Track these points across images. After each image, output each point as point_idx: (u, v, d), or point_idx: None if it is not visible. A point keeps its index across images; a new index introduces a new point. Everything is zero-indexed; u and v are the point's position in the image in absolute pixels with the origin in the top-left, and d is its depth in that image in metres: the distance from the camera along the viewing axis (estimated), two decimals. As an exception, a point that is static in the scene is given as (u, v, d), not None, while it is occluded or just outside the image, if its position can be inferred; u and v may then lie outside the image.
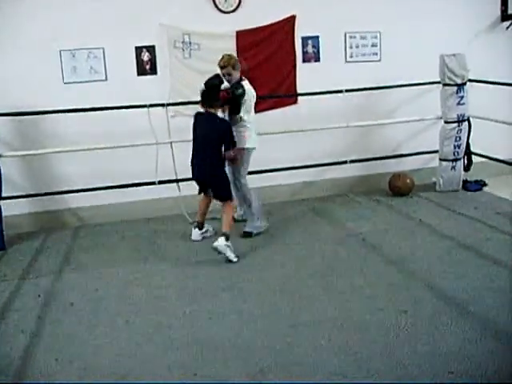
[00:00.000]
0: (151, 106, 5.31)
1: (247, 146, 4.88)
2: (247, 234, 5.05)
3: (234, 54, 5.62)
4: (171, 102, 5.46)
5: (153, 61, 5.57)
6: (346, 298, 3.78)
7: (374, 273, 4.18)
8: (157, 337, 3.42)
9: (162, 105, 5.37)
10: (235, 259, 4.49)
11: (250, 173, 5.30)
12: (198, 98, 5.50)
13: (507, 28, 6.47)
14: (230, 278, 4.24)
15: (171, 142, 5.44)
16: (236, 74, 4.85)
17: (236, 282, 4.16)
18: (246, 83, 4.86)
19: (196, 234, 5.07)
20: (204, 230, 5.11)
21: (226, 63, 4.78)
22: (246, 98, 4.79)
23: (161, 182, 5.51)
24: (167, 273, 4.42)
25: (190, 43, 5.60)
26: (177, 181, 5.50)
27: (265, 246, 4.87)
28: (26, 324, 3.62)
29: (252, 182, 5.68)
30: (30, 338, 3.45)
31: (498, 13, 6.47)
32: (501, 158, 6.12)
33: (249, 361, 3.08)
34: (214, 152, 4.61)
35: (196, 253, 4.80)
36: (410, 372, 2.88)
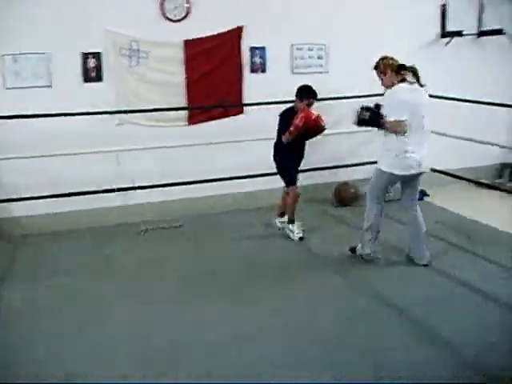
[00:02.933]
0: (97, 113, 5.25)
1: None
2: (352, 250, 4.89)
3: (181, 63, 5.66)
4: (117, 110, 5.41)
5: (99, 68, 5.50)
6: (294, 305, 3.85)
7: (319, 279, 4.31)
8: (96, 352, 3.39)
9: (108, 112, 5.32)
10: (295, 237, 5.21)
11: (199, 182, 5.36)
12: (145, 107, 5.53)
13: (446, 44, 6.73)
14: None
15: (117, 151, 5.39)
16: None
17: (184, 291, 4.17)
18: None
19: (277, 221, 5.54)
20: (282, 220, 5.47)
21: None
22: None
23: (106, 191, 5.44)
24: (112, 283, 4.37)
25: (138, 51, 5.57)
26: (122, 189, 5.45)
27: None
28: None
29: (197, 191, 5.72)
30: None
31: (439, 30, 6.73)
32: (441, 169, 6.33)
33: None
34: (278, 138, 5.22)
35: (144, 264, 4.77)
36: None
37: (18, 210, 5.46)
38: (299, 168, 5.40)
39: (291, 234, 5.27)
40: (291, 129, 4.97)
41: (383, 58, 4.47)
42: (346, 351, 3.31)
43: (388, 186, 4.70)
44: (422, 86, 4.33)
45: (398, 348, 3.34)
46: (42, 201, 5.35)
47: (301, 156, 5.35)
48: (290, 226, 5.30)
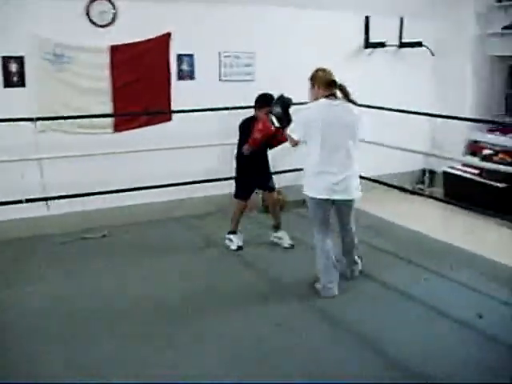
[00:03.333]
0: (18, 120, 5.06)
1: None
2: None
3: (107, 69, 5.57)
4: (41, 116, 5.25)
5: (21, 72, 5.32)
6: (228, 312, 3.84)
7: (248, 286, 4.35)
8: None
9: (31, 119, 5.15)
10: (233, 247, 5.21)
11: (122, 190, 5.29)
12: (69, 113, 5.40)
13: (369, 54, 6.98)
14: (107, 298, 4.17)
15: (40, 159, 5.23)
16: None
17: (111, 302, 4.10)
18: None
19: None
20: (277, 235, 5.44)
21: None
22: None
23: (28, 201, 5.25)
24: (35, 296, 4.23)
25: (62, 56, 5.42)
26: (45, 199, 5.29)
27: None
28: None
29: (124, 199, 5.63)
30: None
31: (362, 41, 6.95)
32: (364, 175, 6.51)
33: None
34: (238, 150, 5.30)
35: (67, 275, 4.64)
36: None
37: None
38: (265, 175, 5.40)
39: (230, 244, 5.28)
40: (250, 142, 4.96)
41: (318, 70, 4.26)
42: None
43: (323, 213, 4.18)
44: (352, 102, 4.12)
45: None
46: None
47: (259, 167, 5.29)
48: (230, 235, 5.31)
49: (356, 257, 4.52)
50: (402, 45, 7.11)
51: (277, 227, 5.41)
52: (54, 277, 4.58)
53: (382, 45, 6.90)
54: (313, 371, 3.23)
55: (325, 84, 4.13)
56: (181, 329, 3.68)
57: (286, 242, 5.30)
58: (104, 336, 3.61)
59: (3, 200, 5.14)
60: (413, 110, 5.82)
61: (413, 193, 6.89)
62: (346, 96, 4.12)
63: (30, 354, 3.40)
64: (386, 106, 5.95)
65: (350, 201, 4.18)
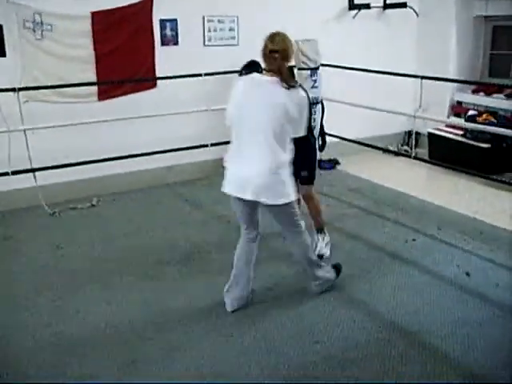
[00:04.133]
0: (0, 90, 4.99)
1: None
2: None
3: (89, 36, 5.48)
4: (23, 86, 5.18)
5: (1, 42, 5.21)
6: (217, 279, 3.90)
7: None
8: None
9: (14, 89, 5.07)
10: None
11: (109, 159, 5.26)
12: (53, 83, 5.32)
13: (353, 17, 6.92)
14: (97, 271, 4.20)
15: (25, 130, 5.17)
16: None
17: (101, 273, 4.14)
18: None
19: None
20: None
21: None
22: None
23: (14, 173, 5.21)
24: (24, 269, 4.25)
25: (42, 23, 5.32)
26: (32, 170, 5.26)
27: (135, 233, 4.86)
28: None
29: (112, 168, 5.61)
30: None
31: (346, 2, 6.89)
32: (351, 138, 6.56)
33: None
34: None
35: (56, 247, 4.65)
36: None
37: None
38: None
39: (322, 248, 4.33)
40: None
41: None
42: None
43: (239, 211, 3.45)
44: (291, 86, 3.16)
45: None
46: None
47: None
48: (320, 236, 4.40)
49: (316, 273, 3.66)
50: (387, 6, 7.06)
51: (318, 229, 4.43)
52: (44, 248, 4.59)
53: (366, 6, 6.85)
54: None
55: (262, 54, 3.31)
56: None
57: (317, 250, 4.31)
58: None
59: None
60: (397, 71, 5.82)
61: (398, 154, 6.95)
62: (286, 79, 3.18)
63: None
64: (370, 69, 5.94)
65: (273, 206, 3.27)
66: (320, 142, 6.60)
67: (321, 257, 4.14)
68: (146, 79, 5.90)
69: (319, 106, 6.39)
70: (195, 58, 5.99)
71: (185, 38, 6.01)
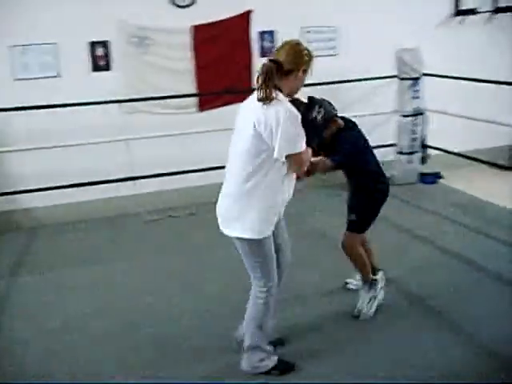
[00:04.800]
0: (106, 102, 5.21)
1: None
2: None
3: (190, 49, 5.59)
4: (126, 98, 5.37)
5: (107, 56, 5.46)
6: (303, 292, 3.80)
7: (331, 268, 4.20)
8: (113, 341, 3.38)
9: (118, 101, 5.28)
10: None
11: (208, 169, 5.31)
12: (154, 94, 5.49)
13: (460, 23, 6.59)
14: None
15: (127, 139, 5.36)
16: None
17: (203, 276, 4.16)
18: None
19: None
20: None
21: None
22: None
23: (118, 180, 5.42)
24: (128, 273, 4.37)
25: (145, 38, 5.51)
26: (133, 178, 5.44)
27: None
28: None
29: (211, 178, 5.63)
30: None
31: (452, 8, 6.58)
32: (456, 150, 6.23)
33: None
34: None
35: (157, 251, 4.75)
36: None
37: (28, 201, 5.46)
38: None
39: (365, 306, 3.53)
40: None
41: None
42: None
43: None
44: (269, 100, 2.59)
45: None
46: (51, 192, 5.35)
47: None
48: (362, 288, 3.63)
49: (248, 349, 2.95)
50: (499, 10, 6.62)
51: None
52: (144, 253, 4.71)
53: (472, 12, 6.47)
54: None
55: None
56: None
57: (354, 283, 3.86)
58: (194, 310, 3.65)
59: (94, 180, 5.35)
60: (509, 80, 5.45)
61: (507, 168, 6.50)
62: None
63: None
64: (478, 78, 5.60)
65: (237, 238, 2.78)
66: (422, 155, 6.36)
67: (357, 316, 3.46)
68: (244, 90, 5.92)
69: (421, 117, 6.16)
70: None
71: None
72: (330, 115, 3.05)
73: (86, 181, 5.36)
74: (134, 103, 5.44)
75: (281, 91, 2.66)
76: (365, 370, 2.94)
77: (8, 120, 5.19)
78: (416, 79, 6.03)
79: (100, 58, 5.44)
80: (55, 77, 5.34)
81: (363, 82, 6.08)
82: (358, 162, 3.43)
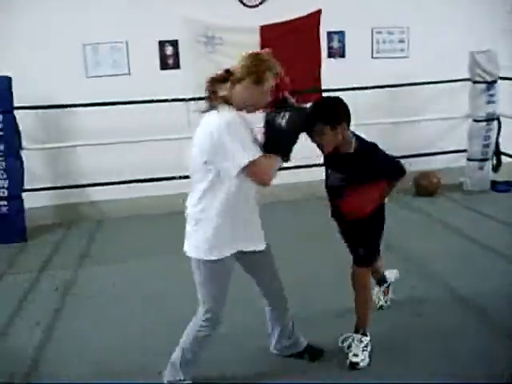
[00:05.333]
0: (173, 100, 5.27)
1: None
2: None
3: (257, 49, 5.57)
4: (194, 96, 5.42)
5: (176, 55, 5.55)
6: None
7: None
8: (174, 333, 3.39)
9: (185, 99, 5.34)
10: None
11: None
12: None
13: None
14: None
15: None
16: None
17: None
18: None
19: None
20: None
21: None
22: None
23: (182, 177, 5.46)
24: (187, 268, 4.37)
25: (214, 37, 5.56)
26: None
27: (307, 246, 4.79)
28: (42, 316, 3.62)
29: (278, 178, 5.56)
30: (45, 330, 3.45)
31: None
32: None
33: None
34: None
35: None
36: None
37: (96, 194, 5.63)
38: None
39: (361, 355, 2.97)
40: None
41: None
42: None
43: None
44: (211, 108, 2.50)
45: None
46: (119, 186, 5.48)
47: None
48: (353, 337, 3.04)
49: (170, 367, 2.78)
50: None
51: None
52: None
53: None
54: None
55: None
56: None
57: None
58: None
59: (162, 176, 5.43)
60: None
61: None
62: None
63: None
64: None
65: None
66: (494, 162, 6.09)
67: (352, 366, 2.93)
68: (312, 91, 5.86)
69: (495, 122, 5.90)
70: (362, 71, 5.82)
71: (352, 50, 5.89)
72: (298, 121, 2.55)
73: (151, 176, 5.46)
74: (201, 102, 5.46)
75: (230, 103, 2.46)
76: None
77: (79, 116, 5.36)
78: (491, 83, 5.78)
79: (169, 57, 5.53)
80: (125, 75, 5.47)
81: (434, 85, 5.88)
82: None
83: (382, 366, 2.93)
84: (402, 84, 5.78)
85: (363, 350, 2.97)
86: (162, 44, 5.49)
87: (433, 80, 5.80)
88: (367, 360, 2.96)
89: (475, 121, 5.92)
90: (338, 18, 5.75)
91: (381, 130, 5.97)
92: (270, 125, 2.51)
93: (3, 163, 5.01)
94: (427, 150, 6.11)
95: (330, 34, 5.83)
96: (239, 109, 2.47)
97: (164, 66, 5.53)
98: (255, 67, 2.44)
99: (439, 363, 2.93)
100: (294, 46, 5.73)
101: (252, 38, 5.59)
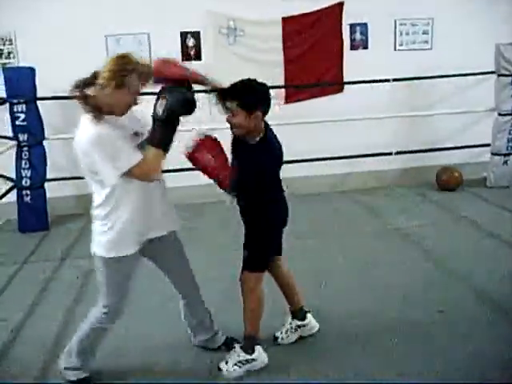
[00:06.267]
0: (204, 91, 5.24)
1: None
2: None
3: (279, 41, 5.56)
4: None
5: (198, 47, 5.55)
6: (381, 293, 3.67)
7: (412, 270, 4.02)
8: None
9: (205, 91, 5.32)
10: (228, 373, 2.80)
11: (292, 161, 5.24)
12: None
13: None
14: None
15: (213, 129, 5.39)
16: None
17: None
18: None
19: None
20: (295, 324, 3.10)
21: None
22: None
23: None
24: (215, 261, 4.30)
25: (235, 29, 5.55)
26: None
27: (311, 237, 4.79)
28: (63, 304, 3.67)
29: (288, 171, 5.52)
30: (66, 318, 3.49)
31: None
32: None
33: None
34: None
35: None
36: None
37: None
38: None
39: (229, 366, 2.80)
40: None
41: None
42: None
43: None
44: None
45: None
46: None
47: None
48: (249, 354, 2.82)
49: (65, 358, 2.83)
50: None
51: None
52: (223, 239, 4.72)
53: None
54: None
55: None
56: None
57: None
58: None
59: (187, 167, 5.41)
60: None
61: None
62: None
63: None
64: None
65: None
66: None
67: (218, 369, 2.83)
68: (333, 83, 5.83)
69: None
70: (385, 63, 5.76)
71: (375, 42, 5.83)
72: (176, 107, 2.39)
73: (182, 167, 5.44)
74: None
75: (99, 107, 2.40)
76: None
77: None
78: (517, 76, 5.68)
79: (190, 48, 5.53)
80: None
81: (458, 78, 5.79)
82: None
83: (404, 362, 2.91)
84: (426, 77, 5.71)
85: (235, 365, 2.79)
86: (183, 35, 5.50)
87: (457, 73, 5.71)
88: (236, 374, 2.78)
89: (500, 114, 5.83)
90: (360, 10, 5.68)
91: (402, 123, 5.94)
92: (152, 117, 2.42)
93: (26, 153, 5.08)
94: (450, 143, 6.03)
95: (352, 25, 5.77)
96: (109, 112, 2.41)
97: (186, 57, 5.53)
98: (116, 72, 2.36)
99: (466, 363, 2.89)
100: (316, 37, 5.71)
101: (274, 30, 5.58)
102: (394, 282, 3.81)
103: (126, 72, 2.36)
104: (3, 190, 5.08)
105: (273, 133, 2.80)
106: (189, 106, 2.45)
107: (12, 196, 5.12)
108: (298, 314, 3.05)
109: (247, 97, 2.57)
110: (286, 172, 5.66)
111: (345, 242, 4.64)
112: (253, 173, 2.58)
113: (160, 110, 2.36)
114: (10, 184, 5.18)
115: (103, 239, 2.54)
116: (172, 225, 2.73)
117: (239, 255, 2.81)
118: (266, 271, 2.86)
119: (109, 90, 2.36)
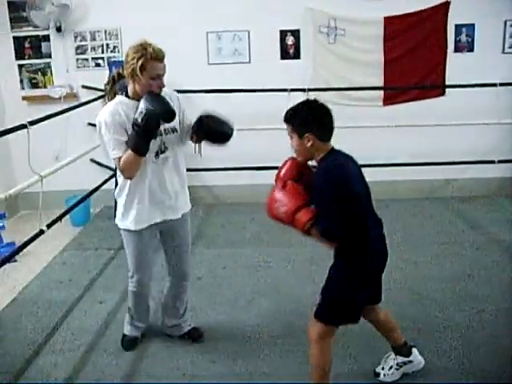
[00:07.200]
0: (292, 90, 5.25)
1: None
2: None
3: (380, 41, 5.43)
4: (313, 87, 5.37)
5: (297, 45, 5.53)
6: (479, 306, 3.48)
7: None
8: (276, 321, 3.39)
9: (303, 90, 5.30)
10: None
11: (381, 165, 5.12)
12: (341, 85, 5.41)
13: None
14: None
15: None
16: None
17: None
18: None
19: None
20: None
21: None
22: None
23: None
24: (292, 257, 4.36)
25: (336, 28, 5.47)
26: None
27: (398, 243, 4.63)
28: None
29: (383, 175, 5.38)
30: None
31: None
32: None
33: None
34: None
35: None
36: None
37: (210, 179, 5.78)
38: None
39: None
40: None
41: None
42: None
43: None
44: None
45: None
46: (232, 172, 5.61)
47: None
48: None
49: None
50: None
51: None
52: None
53: None
54: None
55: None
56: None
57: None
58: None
59: (271, 165, 5.41)
60: None
61: None
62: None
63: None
64: None
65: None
66: None
67: None
68: (434, 86, 5.63)
69: None
70: (492, 67, 5.49)
71: (482, 45, 5.55)
72: (154, 115, 2.51)
73: (260, 165, 5.45)
74: (320, 93, 5.40)
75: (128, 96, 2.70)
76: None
77: (200, 101, 5.45)
78: None
79: (289, 47, 5.52)
80: (246, 63, 5.54)
81: None
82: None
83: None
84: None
85: None
86: (283, 33, 5.49)
87: None
88: None
89: None
90: (467, 10, 5.43)
91: (508, 130, 5.64)
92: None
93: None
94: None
95: (458, 26, 5.53)
96: (138, 99, 2.61)
97: (284, 55, 5.53)
98: (132, 59, 2.57)
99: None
100: (419, 38, 5.52)
101: (375, 29, 5.45)
102: (493, 296, 3.62)
103: (141, 58, 2.57)
104: (102, 179, 5.28)
105: (344, 155, 2.58)
106: (167, 115, 2.60)
107: (111, 184, 5.30)
108: (402, 349, 2.74)
109: (297, 119, 2.49)
110: (383, 175, 5.57)
111: (441, 252, 4.45)
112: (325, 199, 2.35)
113: (139, 118, 2.50)
114: (110, 173, 5.37)
115: (121, 214, 2.84)
116: (185, 207, 2.98)
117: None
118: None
119: (130, 77, 2.62)
